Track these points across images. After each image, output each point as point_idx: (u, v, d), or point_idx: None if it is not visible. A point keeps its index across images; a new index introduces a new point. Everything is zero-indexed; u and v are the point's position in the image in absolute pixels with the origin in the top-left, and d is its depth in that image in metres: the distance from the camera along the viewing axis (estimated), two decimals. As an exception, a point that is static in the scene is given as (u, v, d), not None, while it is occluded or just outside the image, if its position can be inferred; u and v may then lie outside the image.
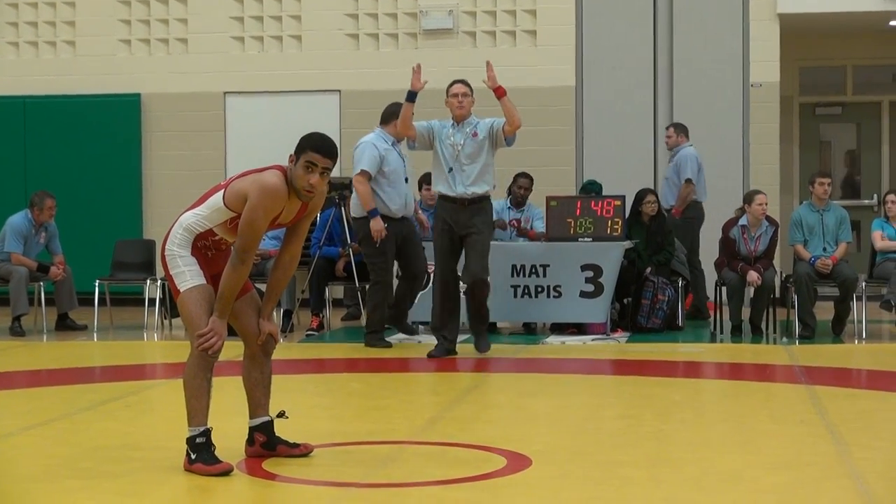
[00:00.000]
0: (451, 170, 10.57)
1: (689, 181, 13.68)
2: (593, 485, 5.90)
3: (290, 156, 6.16)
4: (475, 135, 10.50)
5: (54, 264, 13.36)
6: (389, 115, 11.47)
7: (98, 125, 16.30)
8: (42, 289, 13.36)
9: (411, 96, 10.66)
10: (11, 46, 16.65)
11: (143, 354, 11.64)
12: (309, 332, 12.62)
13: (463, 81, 10.73)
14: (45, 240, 13.48)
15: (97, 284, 13.53)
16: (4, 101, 16.42)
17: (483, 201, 10.58)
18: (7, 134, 16.33)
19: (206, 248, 6.28)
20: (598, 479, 6.02)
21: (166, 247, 6.29)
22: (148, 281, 13.61)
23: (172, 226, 6.33)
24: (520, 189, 13.06)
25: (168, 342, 12.43)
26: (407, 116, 10.66)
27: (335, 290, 14.20)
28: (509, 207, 13.05)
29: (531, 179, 13.14)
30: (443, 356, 10.44)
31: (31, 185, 15.00)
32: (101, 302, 13.49)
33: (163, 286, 13.18)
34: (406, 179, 11.43)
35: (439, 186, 10.71)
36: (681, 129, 14.12)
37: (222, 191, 6.24)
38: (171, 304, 13.25)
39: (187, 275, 6.21)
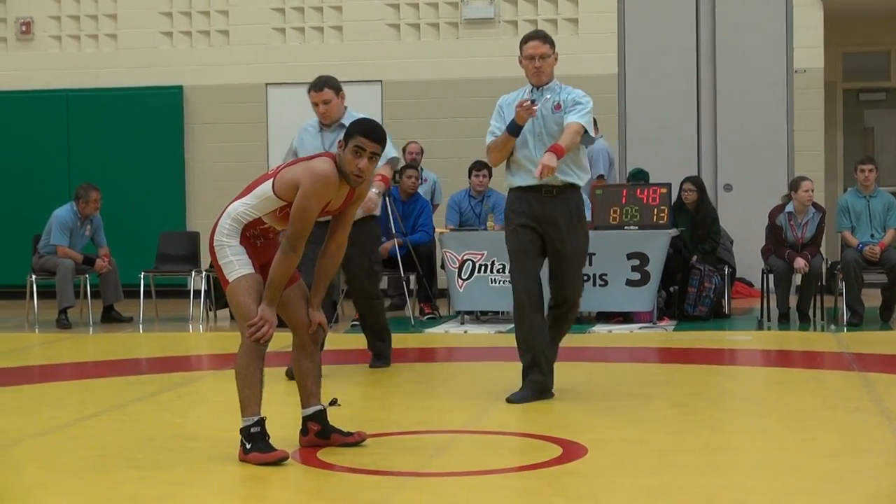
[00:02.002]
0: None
1: (601, 177, 13.33)
2: (650, 473, 5.85)
3: (339, 142, 6.18)
4: (558, 107, 7.87)
5: (100, 257, 13.42)
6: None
7: (140, 118, 16.36)
8: (88, 281, 13.42)
9: (515, 129, 7.80)
10: (54, 40, 16.73)
11: (190, 346, 11.65)
12: (354, 323, 12.60)
13: (540, 37, 8.01)
14: (90, 232, 13.53)
15: (142, 276, 13.58)
16: (48, 94, 16.50)
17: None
18: (51, 127, 16.42)
19: (254, 237, 6.27)
20: (654, 467, 5.98)
21: (215, 237, 6.28)
22: (193, 272, 13.64)
23: (220, 216, 6.32)
24: None
25: (214, 333, 12.45)
26: (507, 149, 7.88)
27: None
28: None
29: None
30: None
31: (75, 179, 15.06)
32: (147, 294, 13.54)
33: (207, 278, 13.23)
34: None
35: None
36: None
37: (271, 180, 6.24)
38: (216, 295, 13.30)
39: (236, 264, 6.20)
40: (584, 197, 8.57)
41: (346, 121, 8.54)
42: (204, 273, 13.28)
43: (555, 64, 7.99)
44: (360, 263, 9.24)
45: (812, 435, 6.73)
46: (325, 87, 8.99)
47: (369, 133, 6.15)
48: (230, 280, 6.21)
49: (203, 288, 13.37)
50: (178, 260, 14.17)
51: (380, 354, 9.54)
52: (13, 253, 15.64)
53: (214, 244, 6.29)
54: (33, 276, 13.37)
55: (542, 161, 7.50)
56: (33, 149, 16.40)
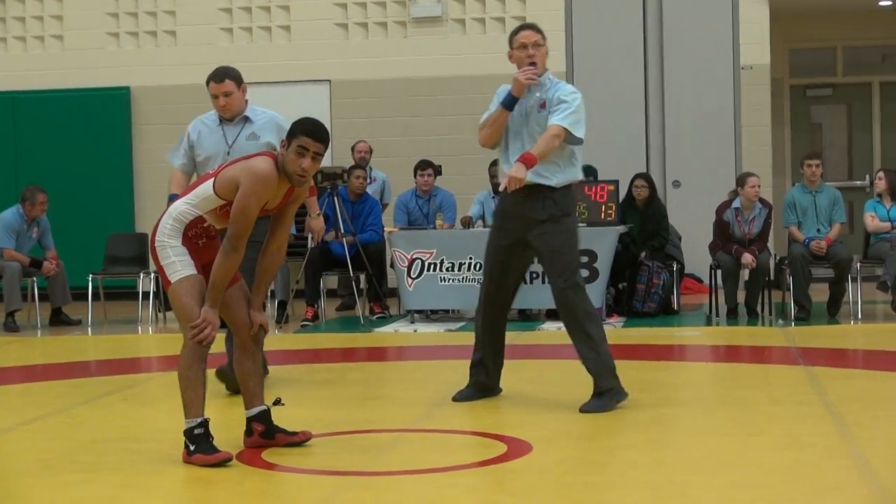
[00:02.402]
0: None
1: None
2: (597, 469, 5.88)
3: (283, 141, 6.16)
4: (543, 105, 7.45)
5: (47, 259, 13.33)
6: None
7: (88, 119, 16.25)
8: (35, 284, 13.32)
9: (510, 102, 7.49)
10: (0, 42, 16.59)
11: (139, 348, 11.58)
12: (304, 323, 12.59)
13: (532, 27, 7.66)
14: (37, 235, 13.43)
15: (90, 279, 13.49)
16: (-7, 96, 16.36)
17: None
18: (-3, 130, 16.29)
19: (196, 236, 6.23)
20: (601, 462, 6.00)
21: (156, 238, 6.26)
22: (141, 274, 13.58)
23: (162, 216, 6.30)
24: (494, 178, 12.96)
25: (163, 335, 12.37)
26: (500, 125, 7.54)
27: (329, 281, 14.17)
28: (493, 196, 12.97)
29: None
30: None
31: (22, 181, 14.94)
32: (95, 296, 13.45)
33: (156, 279, 13.15)
34: None
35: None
36: None
37: (212, 179, 6.22)
38: (165, 297, 13.21)
39: (178, 265, 6.17)
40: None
41: (249, 114, 8.23)
42: (153, 275, 13.21)
43: (546, 57, 7.57)
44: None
45: (758, 429, 6.76)
46: (225, 78, 8.29)
47: (313, 133, 6.13)
48: (172, 281, 6.18)
49: (152, 290, 13.31)
50: (126, 262, 14.10)
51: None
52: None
53: (156, 245, 6.26)
54: (-21, 280, 13.26)
55: (510, 173, 7.26)
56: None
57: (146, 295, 13.40)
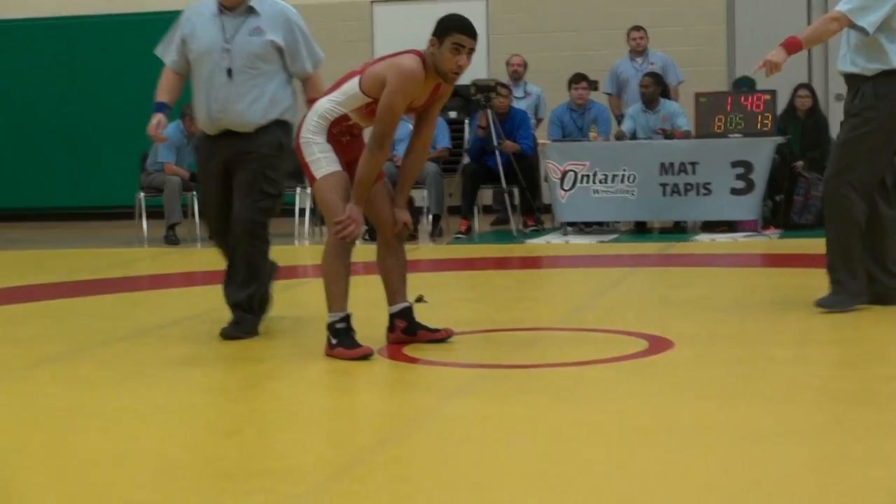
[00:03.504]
0: None
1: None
2: (736, 363, 5.79)
3: (432, 39, 6.09)
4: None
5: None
6: None
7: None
8: (195, 199, 13.52)
9: None
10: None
11: (296, 257, 11.72)
12: (458, 235, 12.63)
13: None
14: (196, 150, 13.64)
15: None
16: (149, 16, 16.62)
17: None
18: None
19: (340, 133, 6.26)
20: (741, 358, 5.91)
21: (301, 134, 6.29)
22: (298, 189, 13.69)
23: (307, 113, 6.34)
24: (643, 88, 12.80)
25: (319, 246, 12.48)
26: None
27: (483, 197, 14.15)
28: (644, 111, 12.81)
29: (654, 78, 12.85)
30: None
31: (183, 98, 15.11)
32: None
33: (313, 195, 13.27)
34: (230, 73, 6.79)
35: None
36: None
37: (358, 76, 6.22)
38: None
39: (323, 162, 6.21)
40: None
41: (254, 4, 6.83)
42: (309, 190, 13.32)
43: None
44: (245, 175, 6.80)
45: (908, 329, 6.61)
46: None
47: (468, 29, 6.09)
48: (317, 177, 6.23)
49: (309, 206, 13.42)
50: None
51: (240, 322, 6.89)
52: (121, 173, 15.80)
53: (301, 141, 6.30)
54: (142, 194, 13.53)
55: (768, 56, 7.00)
56: (140, 69, 16.54)
57: (303, 211, 13.53)
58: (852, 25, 6.89)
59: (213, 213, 7.02)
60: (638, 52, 13.75)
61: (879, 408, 4.91)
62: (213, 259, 11.50)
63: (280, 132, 6.85)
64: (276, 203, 6.89)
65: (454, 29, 6.06)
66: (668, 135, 12.39)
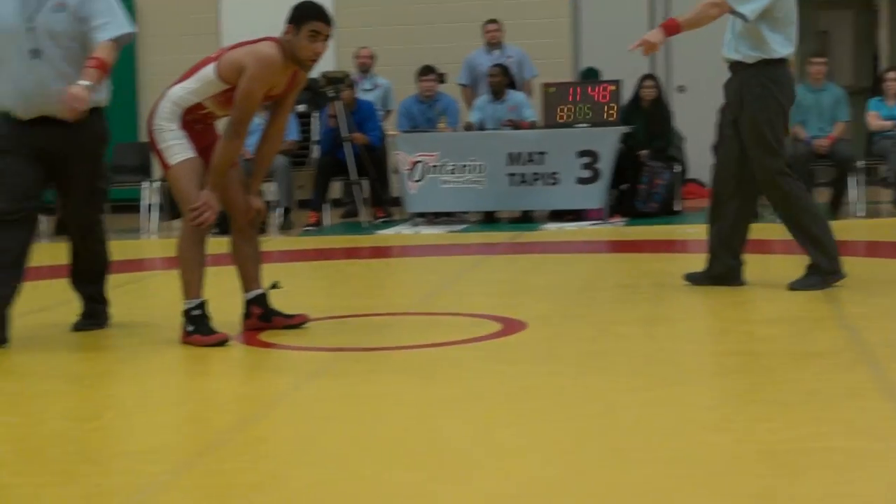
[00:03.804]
0: None
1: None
2: (589, 341, 5.93)
3: (289, 26, 6.10)
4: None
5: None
6: None
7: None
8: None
9: None
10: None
11: (143, 251, 11.63)
12: (307, 228, 12.65)
13: None
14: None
15: (95, 188, 13.47)
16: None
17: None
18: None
19: (194, 121, 6.26)
20: (593, 336, 6.05)
21: (154, 121, 6.27)
22: (146, 183, 13.57)
23: (159, 100, 6.31)
24: (489, 77, 12.96)
25: (167, 240, 12.42)
26: None
27: (332, 190, 14.16)
28: (491, 101, 12.96)
29: (501, 69, 13.01)
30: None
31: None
32: (100, 206, 13.42)
33: (160, 190, 13.18)
34: (35, 54, 6.26)
35: None
36: None
37: (214, 63, 6.21)
38: (170, 206, 13.28)
39: (176, 148, 6.19)
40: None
41: None
42: (157, 184, 13.24)
43: None
44: (78, 174, 6.55)
45: (753, 306, 6.84)
46: None
47: (323, 16, 6.12)
48: (171, 164, 6.20)
49: (156, 201, 13.31)
50: (131, 171, 14.10)
51: (92, 314, 6.85)
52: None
53: (154, 128, 6.28)
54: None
55: (645, 35, 7.13)
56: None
57: (149, 205, 13.41)
58: (732, 11, 7.02)
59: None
60: (493, 44, 13.91)
61: (727, 378, 5.08)
62: (59, 254, 11.42)
63: (100, 121, 6.65)
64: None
65: (311, 16, 6.10)
66: (515, 125, 12.55)
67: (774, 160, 7.14)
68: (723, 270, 7.39)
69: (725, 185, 7.35)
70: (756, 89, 7.10)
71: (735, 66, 7.23)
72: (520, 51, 13.99)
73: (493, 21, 13.96)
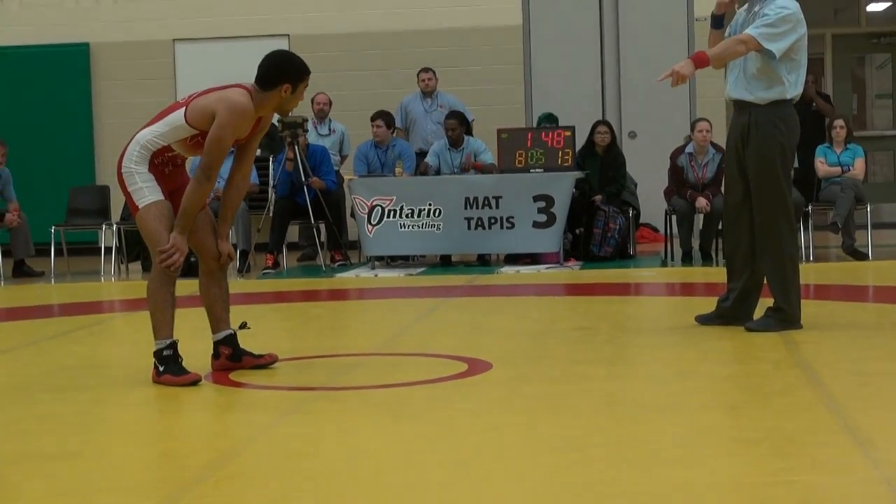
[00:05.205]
0: None
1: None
2: (552, 381, 6.07)
3: (285, 87, 6.25)
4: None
5: (9, 211, 13.39)
6: None
7: (48, 75, 16.30)
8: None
9: (715, 22, 7.59)
10: (-43, -2, 16.60)
11: (102, 293, 11.70)
12: (266, 270, 12.74)
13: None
14: (-1, 187, 13.49)
15: (52, 231, 13.52)
16: (-48, 53, 16.38)
17: None
18: (-43, 85, 16.32)
19: (162, 164, 6.36)
20: (557, 376, 6.20)
21: (123, 164, 6.35)
22: (104, 226, 13.63)
23: (128, 144, 6.40)
24: (449, 131, 13.13)
25: (125, 283, 12.49)
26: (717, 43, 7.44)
27: (290, 234, 14.27)
28: (449, 149, 13.14)
29: (459, 119, 13.19)
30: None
31: (-18, 135, 14.99)
32: (58, 251, 13.49)
33: (118, 231, 13.24)
34: None
35: None
36: None
37: (183, 108, 6.32)
38: (128, 248, 13.35)
39: (145, 191, 6.29)
40: None
41: None
42: (115, 227, 13.31)
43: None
44: None
45: (709, 347, 6.98)
46: None
47: (308, 70, 6.35)
48: (140, 207, 6.30)
49: (115, 244, 13.36)
50: (88, 214, 14.15)
51: None
52: None
53: (123, 171, 6.37)
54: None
55: (675, 67, 7.19)
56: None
57: (108, 250, 13.45)
58: (759, 49, 7.18)
59: None
60: (427, 92, 14.18)
61: (690, 415, 5.23)
62: (20, 296, 11.52)
63: None
64: None
65: (304, 72, 6.34)
66: (475, 166, 12.76)
67: (780, 202, 7.31)
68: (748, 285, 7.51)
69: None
70: (766, 128, 7.29)
71: (743, 105, 7.41)
72: (452, 98, 14.27)
73: (426, 69, 14.29)
